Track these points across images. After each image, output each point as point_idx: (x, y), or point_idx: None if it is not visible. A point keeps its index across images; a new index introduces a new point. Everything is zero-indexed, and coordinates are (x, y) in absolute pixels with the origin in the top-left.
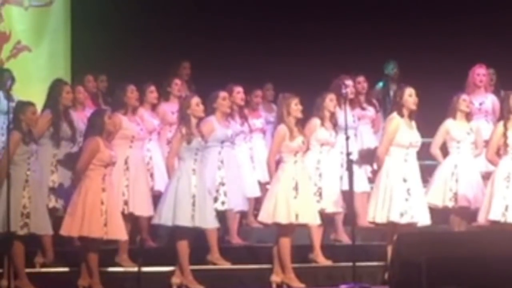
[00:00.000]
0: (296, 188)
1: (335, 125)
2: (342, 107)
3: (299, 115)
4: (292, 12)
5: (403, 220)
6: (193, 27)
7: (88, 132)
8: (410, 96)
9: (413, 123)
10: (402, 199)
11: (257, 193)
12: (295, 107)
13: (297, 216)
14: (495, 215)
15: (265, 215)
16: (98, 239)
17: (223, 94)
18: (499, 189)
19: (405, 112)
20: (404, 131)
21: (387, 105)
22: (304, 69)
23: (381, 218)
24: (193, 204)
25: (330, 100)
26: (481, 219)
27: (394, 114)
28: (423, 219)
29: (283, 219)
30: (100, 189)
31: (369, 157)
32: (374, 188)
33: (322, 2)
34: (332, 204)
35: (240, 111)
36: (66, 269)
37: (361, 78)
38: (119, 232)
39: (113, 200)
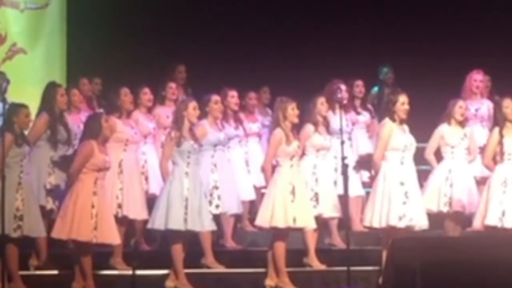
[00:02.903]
0: (293, 192)
1: (327, 127)
2: (336, 111)
3: (295, 120)
4: (289, 16)
5: (402, 224)
6: (189, 30)
7: (84, 135)
8: (402, 104)
9: (405, 127)
10: (400, 203)
11: (251, 196)
12: (292, 111)
13: (294, 220)
14: (492, 220)
15: (263, 219)
16: (87, 243)
17: (215, 98)
18: (496, 194)
19: (397, 118)
20: (397, 135)
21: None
22: (301, 73)
23: (379, 223)
24: (186, 207)
25: (321, 104)
26: (477, 224)
27: (387, 119)
28: (421, 222)
29: (280, 223)
30: (91, 193)
31: (367, 163)
32: (371, 193)
33: (319, 6)
34: (329, 208)
35: (235, 114)
36: (60, 271)
37: (358, 82)
38: (110, 236)
39: (104, 204)
